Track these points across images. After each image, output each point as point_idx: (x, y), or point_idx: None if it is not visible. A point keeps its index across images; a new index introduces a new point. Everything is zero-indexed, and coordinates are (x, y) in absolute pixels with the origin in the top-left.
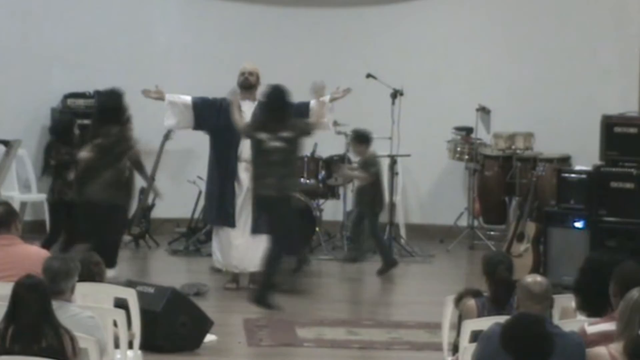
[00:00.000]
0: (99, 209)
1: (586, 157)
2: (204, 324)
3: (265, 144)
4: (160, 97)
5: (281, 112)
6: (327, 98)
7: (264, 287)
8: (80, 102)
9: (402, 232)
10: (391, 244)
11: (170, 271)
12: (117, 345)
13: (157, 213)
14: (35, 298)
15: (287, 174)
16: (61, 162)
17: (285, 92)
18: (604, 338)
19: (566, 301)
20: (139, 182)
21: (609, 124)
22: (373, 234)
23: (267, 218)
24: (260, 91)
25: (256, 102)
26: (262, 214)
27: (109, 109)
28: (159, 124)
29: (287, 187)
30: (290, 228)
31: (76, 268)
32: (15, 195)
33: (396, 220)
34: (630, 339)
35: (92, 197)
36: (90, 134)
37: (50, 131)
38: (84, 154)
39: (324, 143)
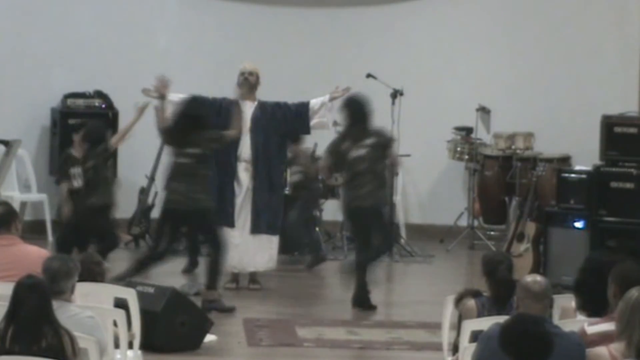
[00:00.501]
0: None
1: (586, 157)
2: (204, 324)
3: (348, 155)
4: (160, 97)
5: (362, 121)
6: (327, 97)
7: (361, 291)
8: (80, 102)
9: (402, 232)
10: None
11: (170, 271)
12: (117, 345)
13: (157, 213)
14: (35, 298)
15: (377, 184)
16: (100, 160)
17: (364, 101)
18: (604, 338)
19: (566, 301)
20: (139, 182)
21: (609, 124)
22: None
23: (359, 227)
24: (260, 96)
25: (256, 103)
26: (351, 224)
27: (195, 116)
28: None
29: (379, 198)
30: (385, 233)
31: (76, 268)
32: (15, 195)
33: (396, 220)
34: (632, 341)
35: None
36: (175, 141)
37: (86, 139)
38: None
39: (324, 143)
